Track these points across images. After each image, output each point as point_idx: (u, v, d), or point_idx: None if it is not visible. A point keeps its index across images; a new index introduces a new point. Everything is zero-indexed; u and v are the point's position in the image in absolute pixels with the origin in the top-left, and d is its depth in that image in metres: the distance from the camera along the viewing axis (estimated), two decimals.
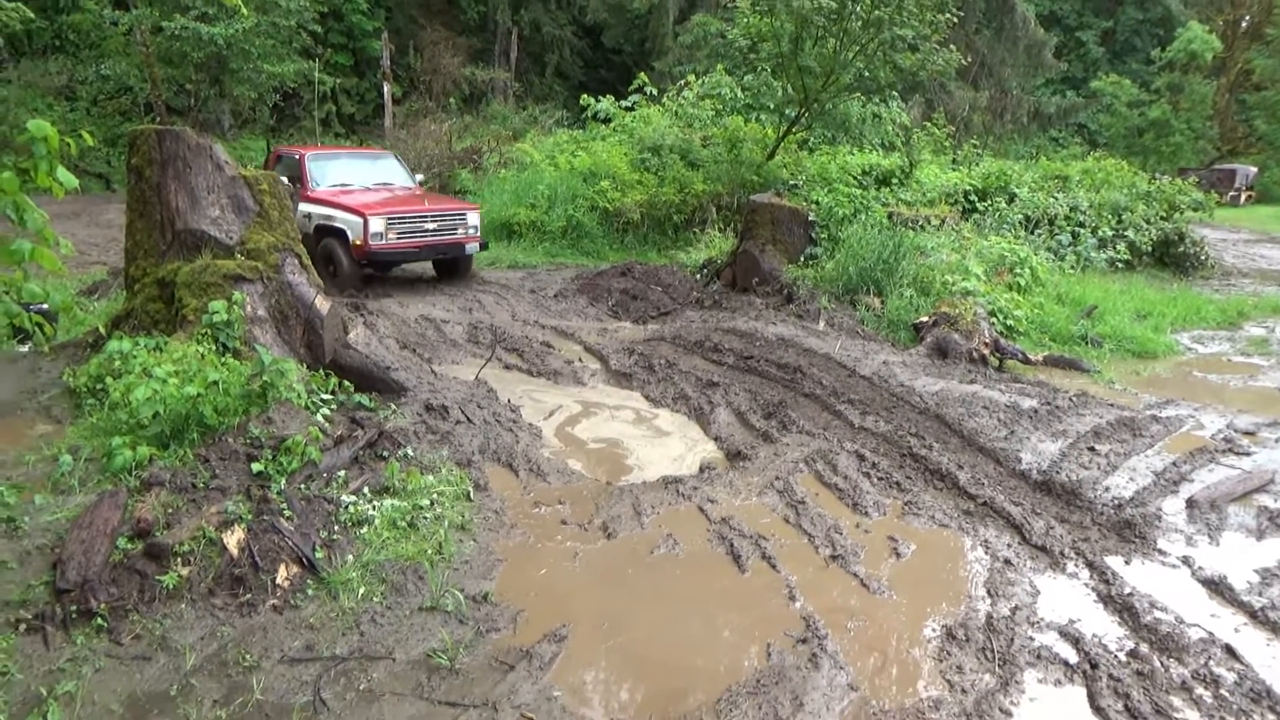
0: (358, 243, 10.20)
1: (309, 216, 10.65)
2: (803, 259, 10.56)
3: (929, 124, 18.61)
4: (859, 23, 12.72)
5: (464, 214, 11.11)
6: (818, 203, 11.85)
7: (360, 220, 10.21)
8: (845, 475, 5.28)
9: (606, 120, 17.94)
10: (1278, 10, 41.76)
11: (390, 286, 11.32)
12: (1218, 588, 4.04)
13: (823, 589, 4.05)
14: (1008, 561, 4.28)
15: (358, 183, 11.45)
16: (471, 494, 4.82)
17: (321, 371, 5.80)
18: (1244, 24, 47.38)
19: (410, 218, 10.61)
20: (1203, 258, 14.40)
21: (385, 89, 26.51)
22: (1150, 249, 13.82)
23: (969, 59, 17.25)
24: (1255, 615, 3.83)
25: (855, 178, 14.08)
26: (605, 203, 14.30)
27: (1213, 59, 40.31)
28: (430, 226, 10.74)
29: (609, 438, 6.08)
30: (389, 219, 10.34)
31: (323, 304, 6.26)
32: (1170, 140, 39.39)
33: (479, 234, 11.37)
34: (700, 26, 22.39)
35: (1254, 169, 39.75)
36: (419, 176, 12.60)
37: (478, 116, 27.18)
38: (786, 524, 4.72)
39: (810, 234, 10.71)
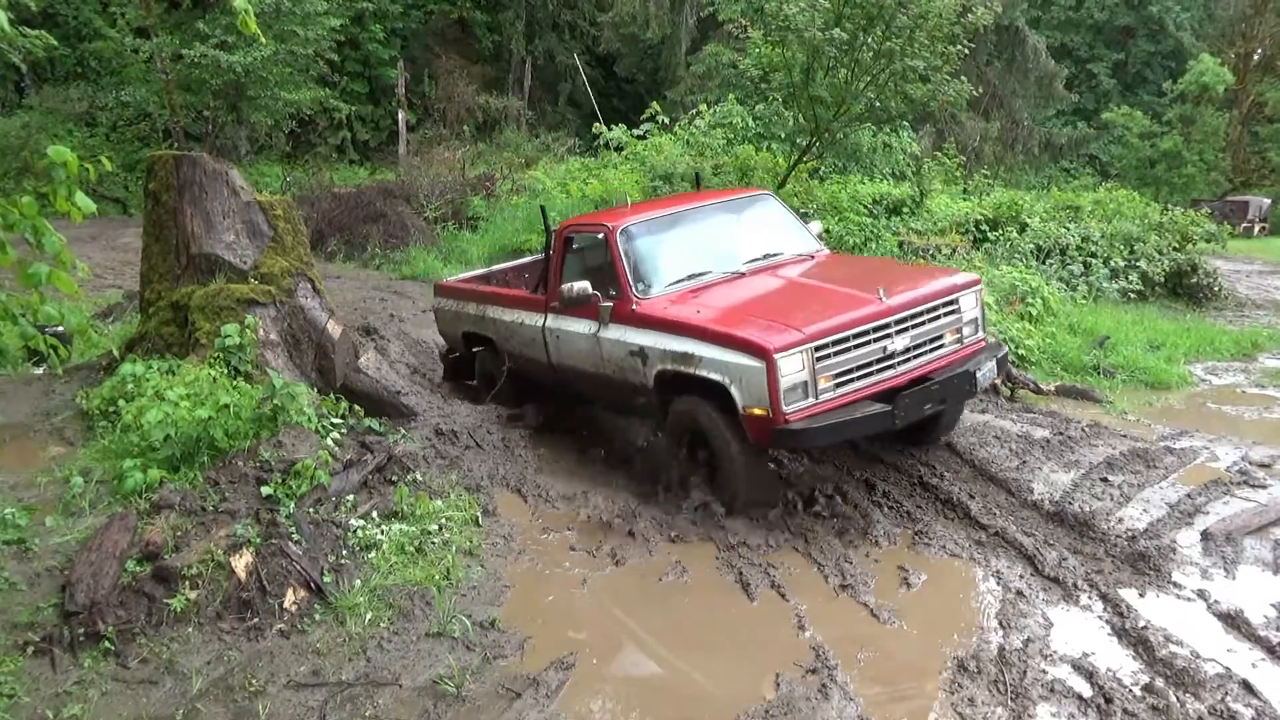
0: (757, 412, 4.78)
1: (639, 353, 5.51)
2: None
3: (940, 154, 18.65)
4: (870, 54, 12.80)
5: (953, 299, 5.48)
6: (828, 230, 11.89)
7: (755, 361, 4.76)
8: (855, 504, 5.25)
9: (619, 148, 18.07)
10: None
11: (404, 306, 11.38)
12: (1234, 622, 3.98)
13: (832, 619, 4.02)
14: (1020, 593, 4.23)
15: (718, 267, 5.97)
16: (480, 519, 4.82)
17: (332, 395, 5.82)
18: (1256, 57, 47.47)
19: (854, 333, 4.96)
20: (1216, 289, 14.32)
21: (400, 116, 26.79)
22: (1163, 280, 13.75)
23: (980, 90, 17.30)
24: (1273, 650, 3.77)
25: (866, 206, 14.15)
26: None
27: (1225, 91, 40.36)
28: (899, 345, 5.11)
29: (613, 467, 6.07)
30: (812, 347, 4.80)
31: (335, 328, 6.30)
32: (1182, 172, 39.36)
33: (984, 334, 5.81)
34: (712, 56, 22.58)
35: (1267, 201, 39.63)
36: (815, 226, 7.11)
37: (491, 144, 27.42)
38: (795, 552, 4.69)
39: None
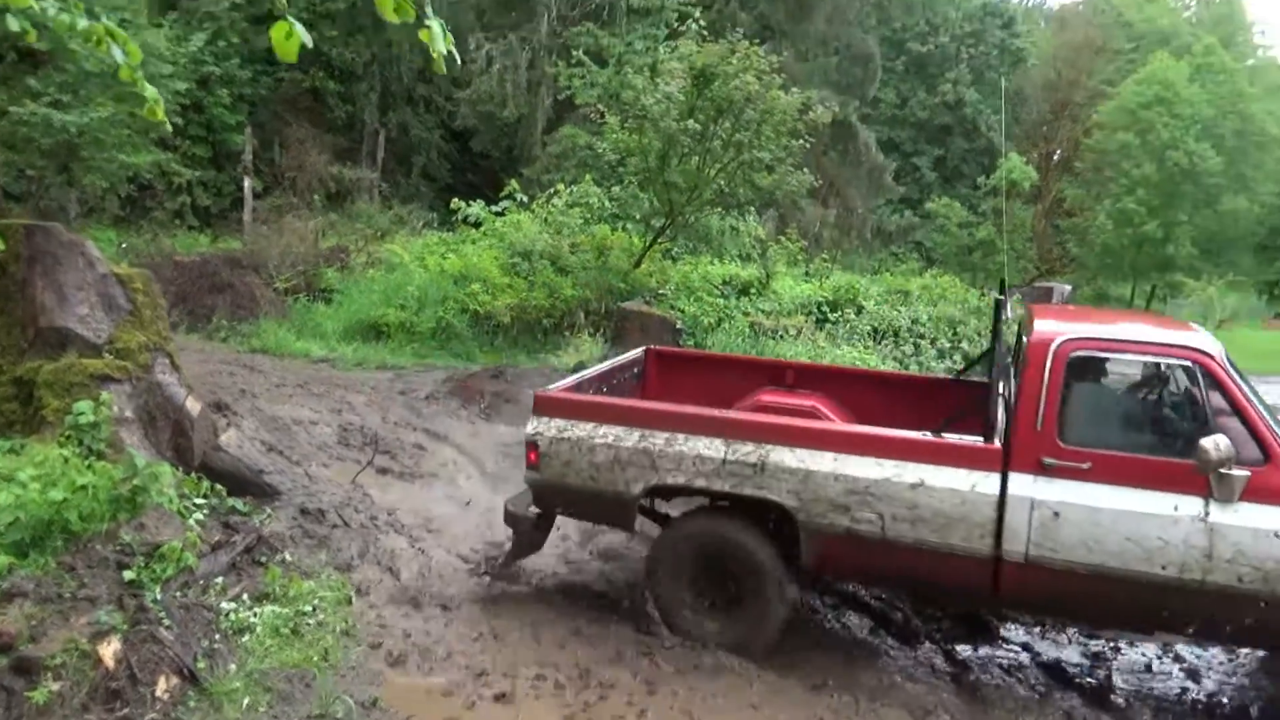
0: None
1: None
2: None
3: (783, 238, 19.82)
4: (720, 144, 13.66)
5: None
6: (683, 311, 12.45)
7: None
8: None
9: (477, 224, 18.27)
10: (1084, 146, 47.02)
11: (255, 381, 11.04)
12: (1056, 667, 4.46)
13: None
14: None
15: None
16: (354, 599, 4.79)
17: (193, 475, 5.65)
18: (1056, 157, 53.00)
19: None
20: None
21: (246, 183, 26.08)
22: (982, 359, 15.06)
23: (819, 180, 18.61)
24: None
25: (717, 287, 14.87)
26: (476, 305, 14.48)
27: (1030, 187, 44.74)
28: None
29: (493, 540, 6.13)
30: None
31: (194, 405, 6.13)
32: (996, 259, 43.09)
33: None
34: (569, 138, 23.25)
35: (1069, 287, 43.48)
36: None
37: (343, 214, 27.03)
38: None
39: (678, 340, 11.22)
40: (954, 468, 4.23)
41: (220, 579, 4.51)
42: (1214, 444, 3.83)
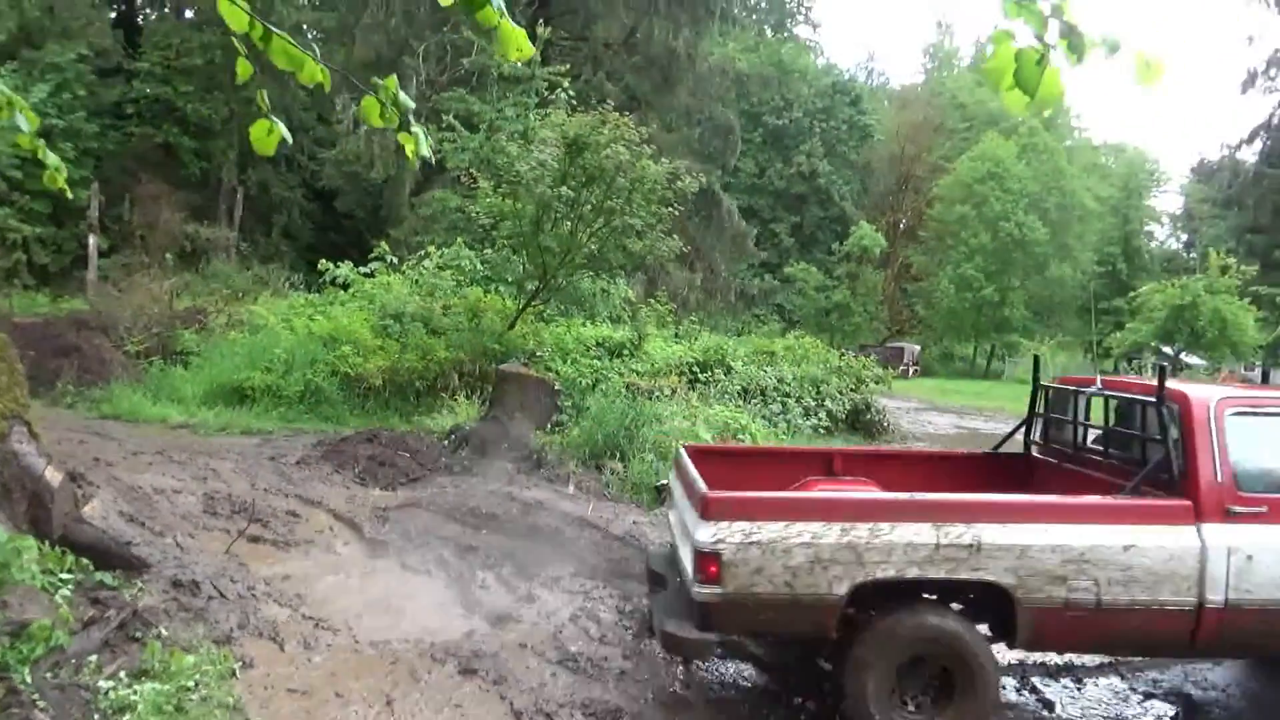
0: None
1: None
2: (550, 426, 11.12)
3: (653, 300, 20.35)
4: (591, 209, 14.05)
5: None
6: (558, 373, 12.61)
7: None
8: (610, 628, 5.64)
9: (345, 285, 17.97)
10: (927, 216, 50.39)
11: (108, 449, 10.44)
12: None
13: None
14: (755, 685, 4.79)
15: None
16: (238, 672, 4.64)
17: (55, 549, 5.35)
18: (902, 225, 56.58)
19: None
20: (885, 424, 16.69)
21: (91, 240, 24.78)
22: (844, 416, 15.84)
23: (686, 245, 19.29)
24: None
25: (590, 349, 15.12)
26: (347, 367, 14.20)
27: (880, 253, 47.57)
28: None
29: (374, 607, 6.04)
30: None
31: (54, 475, 5.82)
32: (851, 320, 45.45)
33: None
34: (440, 201, 23.28)
35: (918, 347, 46.59)
36: None
37: (198, 274, 26.01)
38: (560, 680, 4.95)
39: (556, 402, 11.34)
40: (1160, 526, 4.40)
41: (94, 657, 4.29)
42: None
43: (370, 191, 31.75)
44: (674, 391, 12.33)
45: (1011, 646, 4.49)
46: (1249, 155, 56.22)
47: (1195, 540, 4.36)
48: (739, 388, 14.24)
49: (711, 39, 31.85)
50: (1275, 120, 52.90)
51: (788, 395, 14.83)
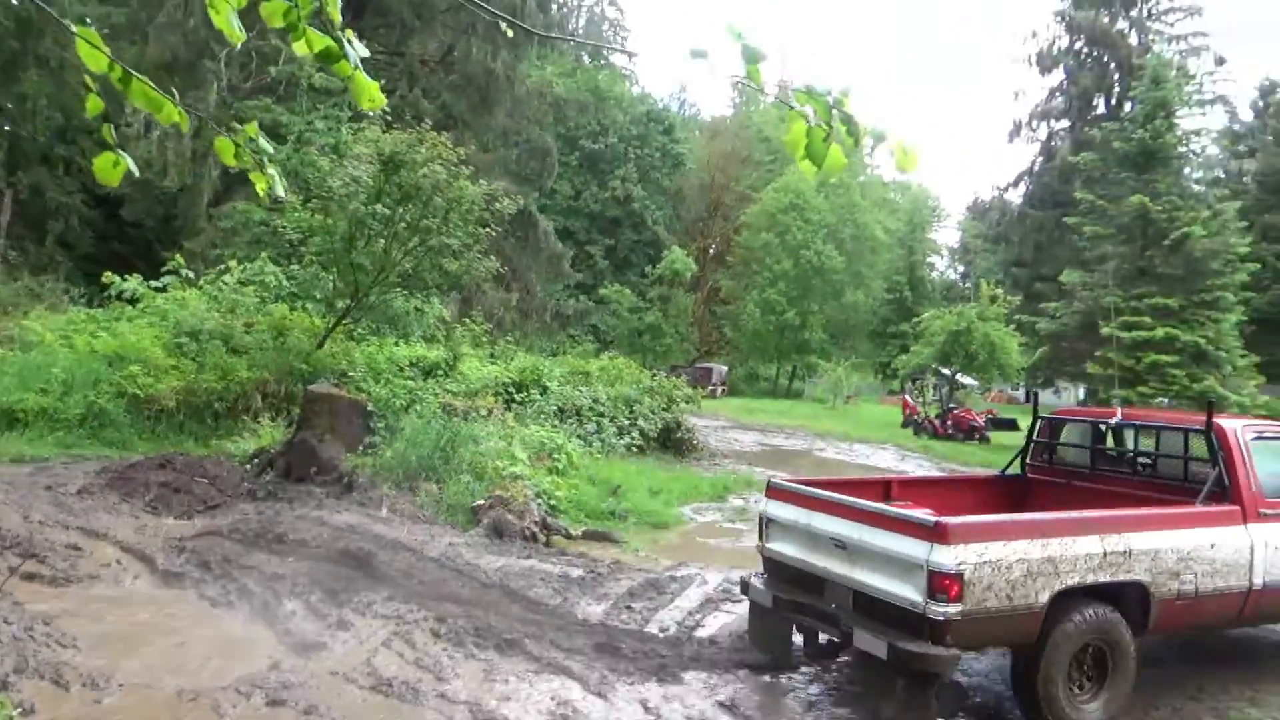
0: None
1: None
2: (362, 448, 10.86)
3: (468, 320, 20.21)
4: (406, 228, 13.87)
5: None
6: (370, 394, 12.35)
7: None
8: (426, 651, 5.63)
9: (134, 300, 16.76)
10: (735, 243, 52.64)
11: None
12: (731, 707, 5.10)
13: None
14: (574, 708, 4.95)
15: None
16: (16, 718, 4.32)
17: None
18: (711, 250, 58.81)
19: None
20: (695, 442, 17.37)
21: None
22: (656, 435, 16.36)
23: (502, 265, 19.31)
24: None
25: (403, 369, 14.87)
26: (135, 388, 13.26)
27: (691, 276, 49.24)
28: None
29: (170, 642, 5.74)
30: None
31: None
32: (663, 341, 46.74)
33: None
34: (243, 214, 22.13)
35: (725, 367, 48.50)
36: None
37: None
38: (375, 707, 4.92)
39: (369, 423, 11.09)
40: (1228, 527, 5.62)
41: None
42: None
43: (162, 200, 29.65)
44: (490, 412, 12.35)
45: (1138, 634, 5.28)
46: (1015, 197, 62.44)
47: (1247, 538, 5.65)
48: (555, 407, 14.43)
49: (530, 62, 32.11)
50: (1036, 167, 59.09)
51: (602, 415, 15.15)
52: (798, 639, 5.99)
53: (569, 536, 9.12)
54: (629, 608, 6.80)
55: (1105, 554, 5.08)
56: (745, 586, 6.05)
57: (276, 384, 14.18)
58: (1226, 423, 6.13)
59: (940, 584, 4.64)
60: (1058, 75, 57.46)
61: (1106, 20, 55.83)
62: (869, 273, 54.22)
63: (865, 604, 5.14)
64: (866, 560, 5.15)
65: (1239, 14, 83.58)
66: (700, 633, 6.43)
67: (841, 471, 18.44)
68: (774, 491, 6.10)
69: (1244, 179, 58.78)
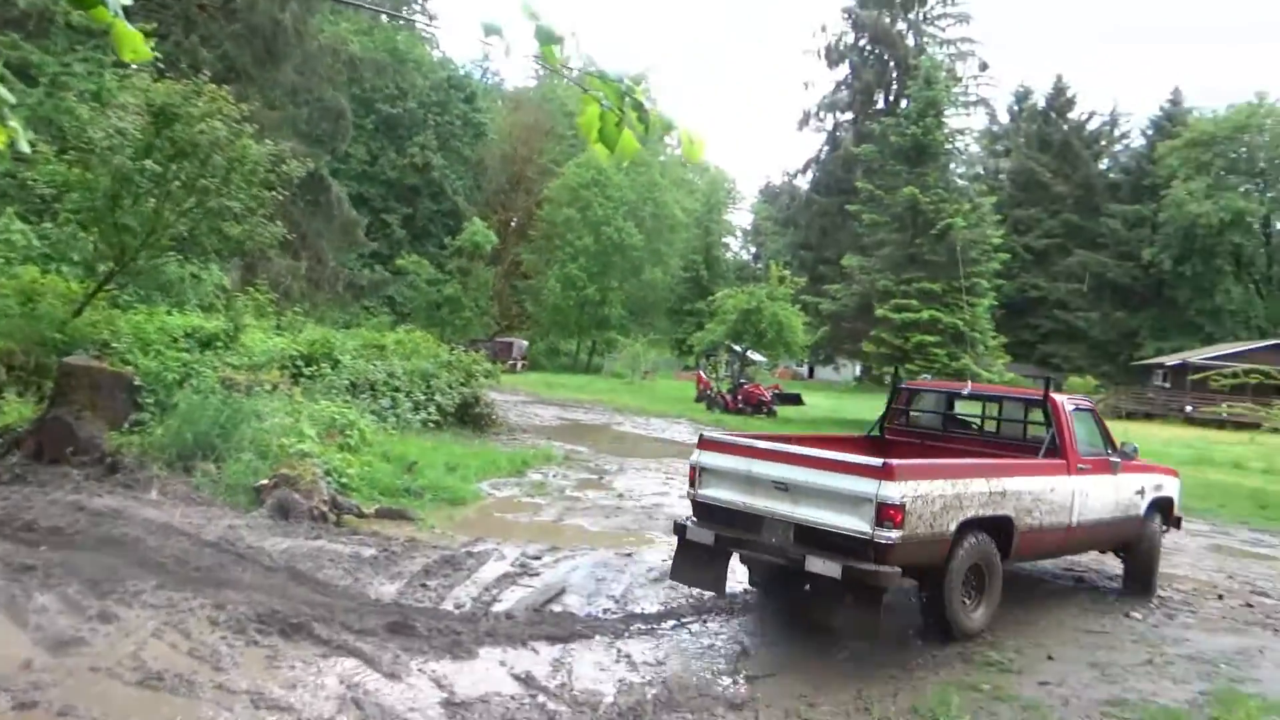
0: None
1: (1140, 491, 8.32)
2: (128, 426, 9.99)
3: (251, 289, 19.00)
4: (181, 188, 12.81)
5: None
6: (137, 366, 11.37)
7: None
8: (201, 640, 5.30)
9: None
10: (537, 216, 52.40)
11: None
12: (526, 679, 5.14)
13: None
14: (365, 690, 4.83)
15: None
16: None
17: None
18: (513, 224, 58.27)
19: None
20: (494, 417, 17.24)
21: None
22: (454, 410, 16.10)
23: (290, 232, 18.25)
24: (549, 690, 5.00)
25: (177, 340, 13.77)
26: None
27: (492, 249, 48.60)
28: None
29: None
30: None
31: None
32: (462, 315, 45.95)
33: None
34: None
35: (525, 342, 48.38)
36: None
37: None
38: (143, 702, 4.59)
39: (136, 399, 10.23)
40: (1060, 477, 7.15)
41: None
42: (1131, 447, 8.08)
43: None
44: (275, 387, 11.71)
45: (1003, 559, 6.59)
46: (804, 183, 65.93)
47: (1071, 486, 7.19)
48: (347, 382, 13.88)
49: (323, 16, 30.42)
50: (823, 155, 62.63)
51: (398, 390, 14.74)
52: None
53: (361, 515, 8.83)
54: (424, 585, 6.68)
55: (990, 493, 6.38)
56: (682, 529, 6.65)
57: (25, 355, 12.72)
58: (1057, 396, 7.76)
59: (886, 514, 5.61)
60: (844, 70, 61.14)
61: (888, 20, 59.88)
62: (667, 251, 55.64)
63: (805, 536, 6.00)
64: (810, 499, 6.02)
65: (1001, 22, 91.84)
66: (497, 607, 6.42)
67: (639, 444, 18.93)
68: (707, 444, 6.83)
69: (1000, 176, 65.15)
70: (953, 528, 6.01)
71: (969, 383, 9.28)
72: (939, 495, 5.92)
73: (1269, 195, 56.31)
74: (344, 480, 9.52)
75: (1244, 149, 56.44)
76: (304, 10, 26.35)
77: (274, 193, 14.02)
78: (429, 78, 51.19)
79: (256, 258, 23.99)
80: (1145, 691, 5.73)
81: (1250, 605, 8.35)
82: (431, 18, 52.29)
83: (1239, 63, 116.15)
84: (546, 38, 1.96)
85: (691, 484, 6.79)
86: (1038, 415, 8.01)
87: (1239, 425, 22.26)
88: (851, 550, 5.72)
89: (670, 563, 7.01)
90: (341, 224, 30.76)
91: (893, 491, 5.62)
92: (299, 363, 14.30)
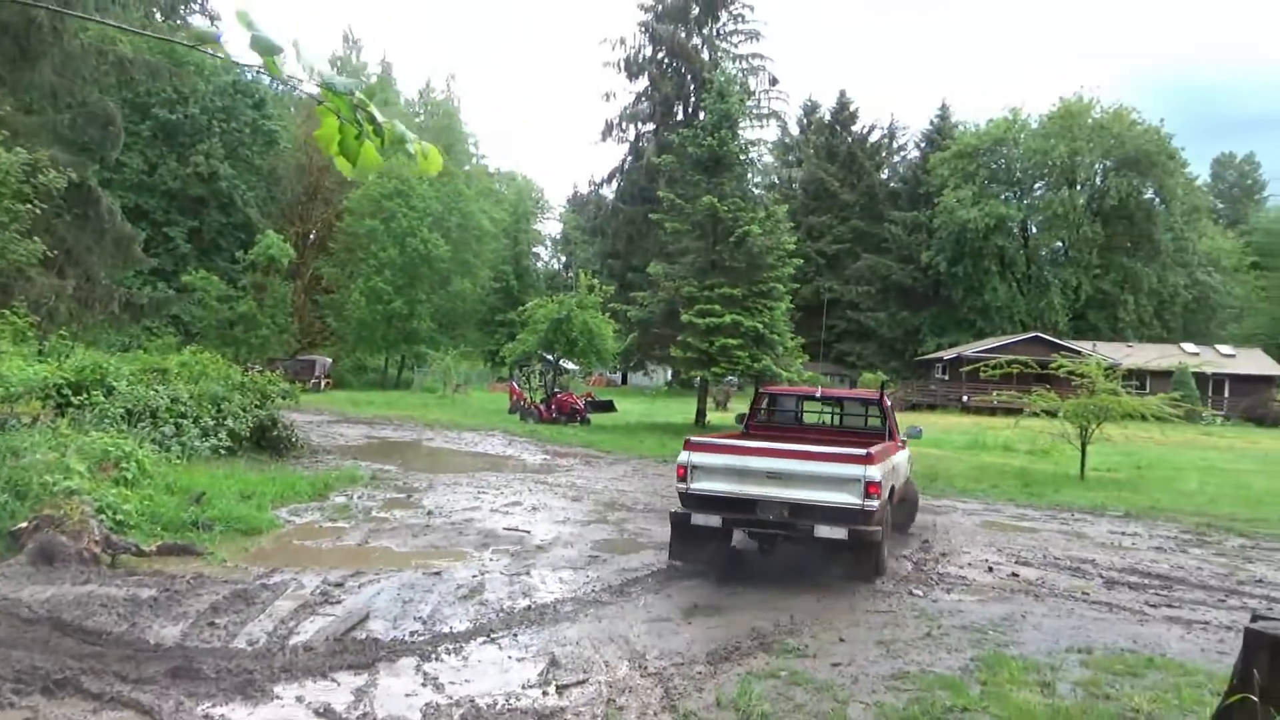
0: None
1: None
2: None
3: (8, 312, 17.17)
4: None
5: None
6: None
7: None
8: None
9: None
10: (337, 228, 50.28)
11: None
12: (325, 713, 4.90)
13: None
14: None
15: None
16: None
17: None
18: (312, 236, 55.63)
19: None
20: (294, 439, 16.38)
21: None
22: (249, 435, 15.17)
23: (52, 249, 16.61)
24: None
25: None
26: None
27: (289, 264, 46.13)
28: None
29: None
30: None
31: None
32: (258, 333, 43.33)
33: None
34: None
35: (329, 359, 46.31)
36: None
37: None
38: None
39: None
40: (898, 453, 10.17)
41: None
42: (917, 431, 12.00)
43: None
44: (36, 419, 10.62)
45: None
46: (609, 192, 66.80)
47: (900, 457, 9.93)
48: (123, 410, 12.76)
49: (85, 11, 27.88)
50: (627, 165, 63.73)
51: (183, 416, 13.71)
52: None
53: (141, 554, 8.13)
54: (212, 624, 6.24)
55: (894, 467, 9.01)
56: (685, 518, 8.26)
57: None
58: (886, 394, 11.21)
59: (870, 489, 7.76)
60: (643, 82, 62.50)
61: (684, 35, 61.79)
62: (476, 261, 54.85)
63: (800, 511, 7.94)
64: (801, 483, 7.97)
65: (789, 39, 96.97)
66: (294, 640, 6.08)
67: (450, 459, 18.54)
68: (694, 445, 8.43)
69: (793, 185, 68.73)
70: (888, 494, 8.41)
71: (819, 388, 13.15)
72: (889, 471, 8.45)
73: (1025, 202, 62.49)
74: (120, 517, 8.74)
75: (1003, 160, 62.42)
76: (61, 6, 24.07)
77: (30, 205, 12.76)
78: (212, 81, 47.90)
79: (12, 277, 21.70)
80: (924, 663, 6.18)
81: (1016, 575, 9.20)
82: (214, 19, 49.01)
83: (1000, 79, 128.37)
84: (265, 48, 1.87)
85: (681, 480, 8.32)
86: (874, 411, 11.35)
87: (1008, 411, 24.59)
88: (839, 519, 7.79)
89: (667, 549, 8.70)
90: (115, 238, 28.22)
91: (874, 472, 7.80)
92: (65, 391, 13.04)
